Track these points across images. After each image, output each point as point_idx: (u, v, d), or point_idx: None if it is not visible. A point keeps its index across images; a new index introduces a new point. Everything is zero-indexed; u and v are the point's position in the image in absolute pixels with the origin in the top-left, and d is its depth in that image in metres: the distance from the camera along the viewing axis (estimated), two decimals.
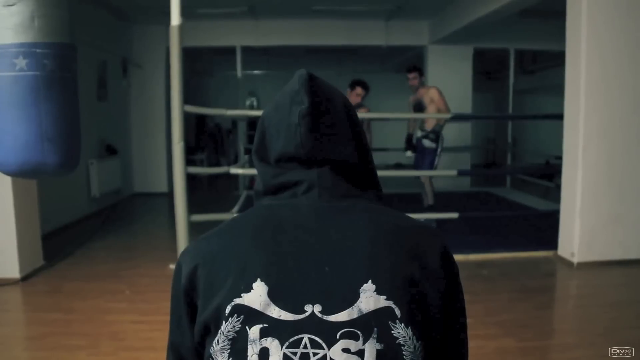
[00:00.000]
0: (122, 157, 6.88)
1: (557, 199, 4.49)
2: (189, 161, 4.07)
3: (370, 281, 0.70)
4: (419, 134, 5.27)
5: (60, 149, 1.74)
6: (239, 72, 7.77)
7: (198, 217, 3.78)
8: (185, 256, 0.79)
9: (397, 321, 0.69)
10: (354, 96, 5.24)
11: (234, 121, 10.19)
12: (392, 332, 0.69)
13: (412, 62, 6.07)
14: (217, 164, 9.93)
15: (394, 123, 8.52)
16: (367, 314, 0.69)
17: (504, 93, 8.81)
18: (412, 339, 0.70)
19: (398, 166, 10.16)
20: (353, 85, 5.30)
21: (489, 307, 3.10)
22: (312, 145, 0.77)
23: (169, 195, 6.78)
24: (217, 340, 0.71)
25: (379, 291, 0.70)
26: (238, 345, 0.70)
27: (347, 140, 0.80)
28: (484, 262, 4.13)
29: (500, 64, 9.19)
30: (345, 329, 0.69)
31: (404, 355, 0.69)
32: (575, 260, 3.96)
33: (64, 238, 4.89)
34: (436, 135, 5.12)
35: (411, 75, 5.15)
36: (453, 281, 0.76)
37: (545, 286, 3.74)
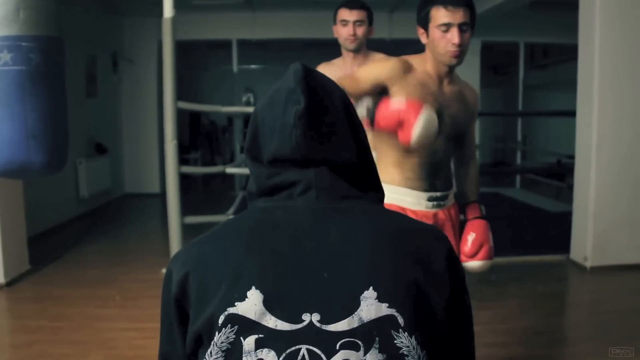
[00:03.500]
0: (112, 156, 6.80)
1: (569, 200, 4.45)
2: (182, 160, 4.16)
3: (371, 288, 0.68)
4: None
5: (47, 148, 1.70)
6: (235, 67, 7.73)
7: (192, 219, 3.76)
8: (175, 262, 0.77)
9: (400, 330, 0.67)
10: None
11: (230, 118, 10.22)
12: (395, 341, 0.67)
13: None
14: (212, 163, 10.00)
15: None
16: (368, 322, 0.67)
17: (513, 89, 8.75)
18: (416, 349, 0.68)
19: None
20: None
21: (497, 314, 3.06)
22: (309, 146, 0.74)
23: (162, 196, 6.70)
24: (210, 352, 0.69)
25: (380, 298, 0.68)
26: (232, 357, 0.68)
27: (346, 139, 0.77)
28: (492, 266, 3.99)
29: (510, 58, 9.11)
30: (345, 339, 0.66)
31: None
32: (589, 264, 3.89)
33: (51, 241, 4.82)
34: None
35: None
36: (459, 286, 0.75)
37: (557, 291, 3.69)
